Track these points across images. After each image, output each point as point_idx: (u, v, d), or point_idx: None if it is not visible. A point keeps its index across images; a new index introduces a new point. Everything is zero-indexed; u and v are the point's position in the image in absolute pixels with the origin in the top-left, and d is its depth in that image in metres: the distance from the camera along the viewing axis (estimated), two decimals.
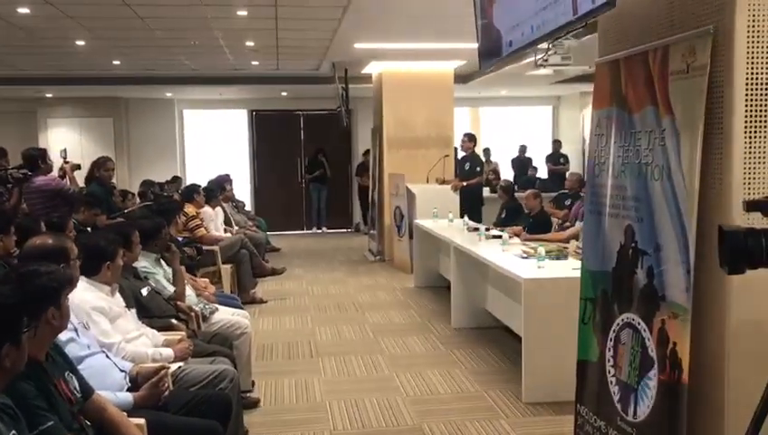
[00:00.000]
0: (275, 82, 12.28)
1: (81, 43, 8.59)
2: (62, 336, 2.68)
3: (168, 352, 3.53)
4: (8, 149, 6.80)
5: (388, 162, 10.53)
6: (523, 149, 14.54)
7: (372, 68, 10.75)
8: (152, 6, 6.75)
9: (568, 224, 7.91)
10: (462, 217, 8.42)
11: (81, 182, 7.20)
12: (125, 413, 2.73)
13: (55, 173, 6.52)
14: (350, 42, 8.67)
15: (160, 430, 2.80)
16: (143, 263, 4.49)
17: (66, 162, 6.62)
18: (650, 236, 2.89)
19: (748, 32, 2.53)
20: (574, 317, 3.60)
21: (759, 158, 2.56)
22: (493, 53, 4.61)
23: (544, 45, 4.38)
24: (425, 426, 4.22)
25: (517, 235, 7.04)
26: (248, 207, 13.29)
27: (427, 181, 9.79)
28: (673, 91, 2.77)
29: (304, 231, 14.56)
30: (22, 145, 7.54)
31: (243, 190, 13.92)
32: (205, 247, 7.16)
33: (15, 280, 2.36)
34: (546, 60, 5.70)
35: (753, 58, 2.54)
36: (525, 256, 5.42)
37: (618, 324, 3.14)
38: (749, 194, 2.56)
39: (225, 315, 4.69)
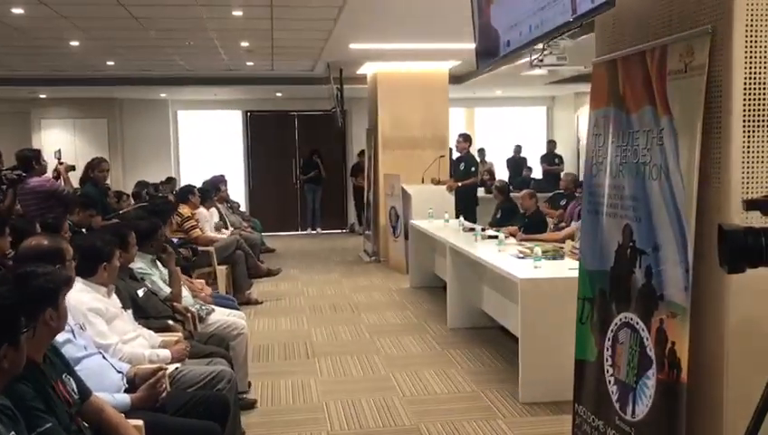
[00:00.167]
0: (270, 82, 12.26)
1: (75, 43, 8.56)
2: (59, 337, 2.66)
3: (166, 353, 3.51)
4: (2, 151, 6.78)
5: (384, 163, 10.53)
6: (517, 149, 14.56)
7: (367, 68, 10.75)
8: (147, 7, 6.73)
9: (563, 224, 7.93)
10: (457, 217, 8.42)
11: (75, 183, 7.18)
12: (123, 415, 2.72)
13: (50, 174, 6.49)
14: (345, 42, 8.67)
15: (158, 431, 2.79)
16: (139, 264, 4.48)
17: (61, 163, 6.60)
18: (648, 235, 2.89)
19: (746, 31, 2.53)
20: (571, 317, 3.60)
21: (757, 157, 2.57)
22: (490, 52, 4.62)
23: (540, 45, 4.37)
24: (422, 426, 4.22)
25: (513, 235, 7.05)
26: (243, 208, 13.26)
27: (423, 182, 9.79)
28: (671, 90, 2.77)
29: (299, 232, 14.54)
30: (16, 146, 7.51)
31: (237, 191, 13.90)
32: (200, 248, 7.15)
33: (13, 281, 2.35)
34: (542, 60, 5.69)
35: (751, 58, 2.54)
36: (521, 256, 5.42)
37: (616, 324, 3.14)
38: (747, 193, 2.56)
39: (221, 316, 4.68)
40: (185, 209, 7.71)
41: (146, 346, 3.54)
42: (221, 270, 7.27)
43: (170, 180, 12.03)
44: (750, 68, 2.54)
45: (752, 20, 2.53)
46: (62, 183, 6.41)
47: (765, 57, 2.55)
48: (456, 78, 11.46)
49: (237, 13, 7.01)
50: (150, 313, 4.08)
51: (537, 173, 14.06)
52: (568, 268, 4.76)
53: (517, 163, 14.42)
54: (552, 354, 4.35)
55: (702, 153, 2.62)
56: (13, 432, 1.93)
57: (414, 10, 6.95)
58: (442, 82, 10.63)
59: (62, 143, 11.11)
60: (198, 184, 9.28)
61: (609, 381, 3.17)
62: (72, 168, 6.75)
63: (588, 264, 3.46)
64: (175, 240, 6.60)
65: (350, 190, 14.54)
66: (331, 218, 14.58)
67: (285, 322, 6.95)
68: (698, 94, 2.61)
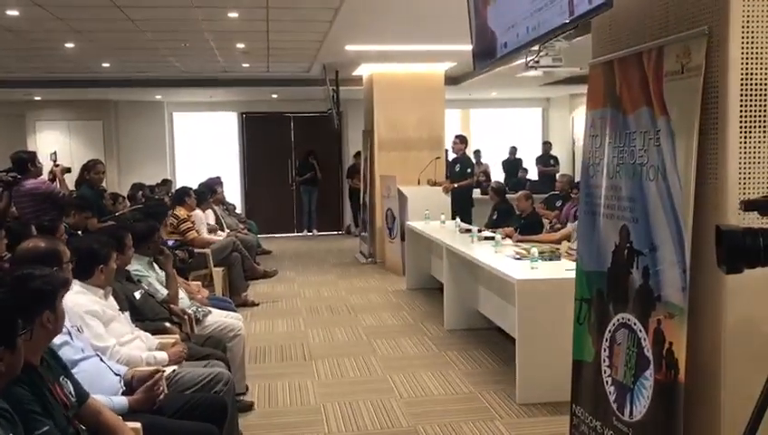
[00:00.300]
0: (265, 84, 12.25)
1: (70, 45, 8.54)
2: (57, 340, 2.65)
3: (163, 355, 3.51)
4: None
5: (380, 164, 10.53)
6: (512, 150, 14.59)
7: (363, 70, 10.75)
8: (142, 8, 6.72)
9: (559, 225, 7.94)
10: (453, 218, 8.43)
11: (71, 185, 7.16)
12: (120, 417, 2.71)
13: (45, 176, 6.48)
14: (340, 44, 8.67)
15: (156, 433, 2.78)
16: (136, 266, 4.47)
17: (56, 165, 6.58)
18: (646, 236, 2.89)
19: (742, 32, 2.54)
20: (568, 318, 3.60)
21: (754, 157, 2.58)
22: (487, 54, 4.62)
23: (535, 47, 4.38)
24: (419, 428, 4.22)
25: (509, 236, 7.05)
26: (239, 210, 13.25)
27: (419, 183, 9.79)
28: (668, 91, 2.78)
29: (295, 233, 14.53)
30: (10, 148, 7.49)
31: (233, 193, 13.89)
32: (196, 250, 7.13)
33: (10, 283, 2.34)
34: (537, 61, 5.71)
35: (747, 58, 2.55)
36: (518, 257, 5.43)
37: (613, 324, 3.14)
38: (744, 194, 2.57)
39: (217, 318, 4.67)
40: (181, 211, 7.70)
41: (143, 348, 3.53)
42: (217, 272, 7.27)
43: (166, 182, 12.03)
44: (746, 69, 2.55)
45: (748, 21, 2.54)
46: (58, 185, 6.40)
47: (761, 58, 2.56)
48: (452, 79, 11.47)
49: (233, 14, 7.01)
50: (147, 315, 4.07)
51: (533, 174, 14.08)
52: (565, 269, 4.76)
53: (512, 165, 14.44)
54: (550, 355, 4.36)
55: (699, 154, 2.62)
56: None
57: (410, 12, 6.96)
58: (438, 84, 10.64)
59: (57, 145, 11.11)
60: (194, 186, 9.27)
61: (607, 382, 3.17)
62: (68, 170, 6.73)
63: (585, 264, 3.46)
64: (171, 242, 6.59)
65: (346, 192, 14.53)
66: (327, 220, 14.57)
67: (282, 324, 6.95)
68: (695, 95, 2.62)
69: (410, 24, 7.54)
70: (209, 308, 4.75)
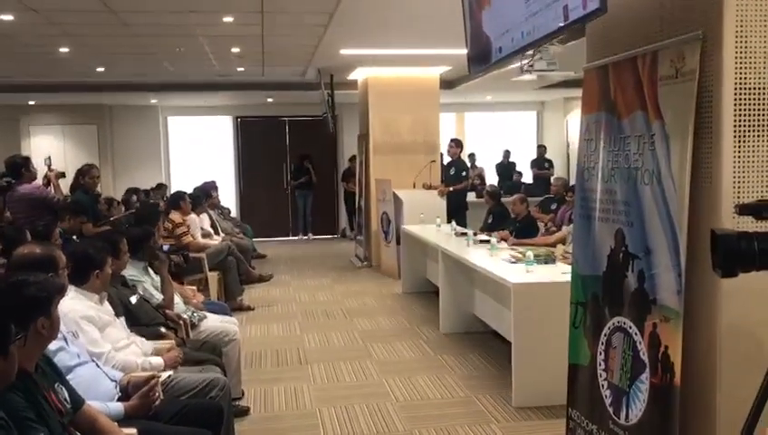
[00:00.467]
0: (261, 88, 12.24)
1: (64, 49, 8.52)
2: (52, 346, 2.65)
3: (158, 360, 3.50)
4: None
5: (375, 168, 10.53)
6: (506, 154, 14.62)
7: (358, 74, 10.76)
8: (137, 13, 6.71)
9: (554, 228, 7.95)
10: (449, 222, 8.43)
11: (65, 190, 7.15)
12: (116, 423, 2.70)
13: (40, 181, 6.47)
14: (335, 48, 8.67)
15: None
16: (131, 271, 4.46)
17: (51, 170, 6.58)
18: (641, 240, 2.90)
19: (736, 37, 2.55)
20: (564, 321, 3.61)
21: (748, 161, 2.59)
22: (482, 58, 4.63)
23: (530, 51, 4.39)
24: (415, 432, 4.22)
25: (504, 239, 7.06)
26: (234, 214, 13.23)
27: (414, 187, 9.80)
28: (662, 95, 2.79)
29: (290, 237, 14.52)
30: (4, 153, 7.48)
31: (228, 197, 13.87)
32: (191, 255, 7.12)
33: (4, 290, 2.33)
34: (532, 66, 5.72)
35: (741, 62, 2.56)
36: (514, 260, 5.43)
37: (609, 328, 3.15)
38: (738, 197, 2.58)
39: (213, 322, 4.67)
40: (176, 216, 7.69)
41: (139, 354, 3.52)
42: (212, 276, 7.25)
43: (161, 187, 11.99)
44: (740, 73, 2.56)
45: (741, 25, 2.56)
46: (53, 190, 6.39)
47: (755, 62, 2.57)
48: (447, 83, 11.48)
49: (228, 19, 7.00)
50: (143, 320, 4.06)
51: (527, 177, 14.11)
52: (560, 272, 4.77)
53: (506, 168, 14.47)
54: (546, 359, 4.36)
55: (693, 158, 2.63)
56: None
57: (405, 16, 6.96)
58: (433, 88, 10.66)
59: (51, 150, 11.06)
60: (189, 190, 9.26)
61: (603, 386, 3.17)
62: (62, 174, 6.73)
63: (581, 268, 3.47)
64: (166, 247, 6.58)
65: (341, 195, 14.53)
66: (322, 224, 14.56)
67: (277, 328, 6.94)
68: (689, 99, 2.63)
69: (405, 28, 7.55)
70: (204, 313, 4.75)
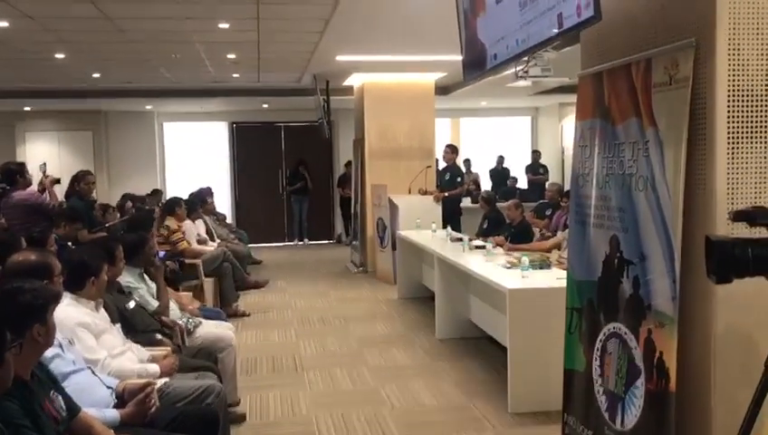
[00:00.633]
0: (256, 94, 12.26)
1: (60, 56, 8.52)
2: (48, 353, 2.64)
3: (154, 368, 3.49)
4: None
5: (371, 173, 10.54)
6: (500, 160, 14.65)
7: (354, 80, 10.78)
8: (133, 20, 6.71)
9: (549, 234, 7.96)
10: (445, 227, 8.44)
11: (60, 196, 7.14)
12: (112, 431, 2.70)
13: (35, 188, 6.45)
14: (331, 54, 8.69)
15: None
16: (127, 278, 4.45)
17: (46, 176, 6.56)
18: (635, 246, 2.92)
19: (729, 44, 2.58)
20: (559, 327, 3.62)
21: (742, 168, 2.60)
22: (477, 65, 4.65)
23: (525, 57, 4.42)
24: None
25: (500, 245, 7.07)
26: (229, 220, 13.21)
27: (410, 192, 9.81)
28: (656, 102, 2.81)
29: (286, 243, 14.51)
30: (0, 159, 7.46)
31: (223, 203, 13.86)
32: (187, 261, 7.11)
33: None
34: (527, 72, 5.75)
35: (734, 70, 2.58)
36: (509, 266, 5.44)
37: (604, 334, 3.16)
38: (733, 204, 2.59)
39: (208, 329, 4.65)
40: (171, 222, 7.68)
41: (134, 361, 3.52)
42: (208, 282, 7.24)
43: (156, 193, 11.98)
44: (733, 80, 2.59)
45: (734, 32, 2.58)
46: (48, 196, 6.37)
47: (748, 69, 2.60)
48: (442, 89, 11.51)
49: (224, 25, 7.01)
50: (138, 327, 4.05)
51: (522, 183, 14.14)
52: (556, 278, 4.78)
53: (500, 174, 14.50)
54: (541, 364, 4.36)
55: (687, 164, 2.65)
56: None
57: (400, 23, 6.98)
58: (428, 94, 10.68)
59: (46, 156, 11.05)
60: (185, 196, 9.25)
61: (598, 391, 3.18)
62: (58, 181, 6.71)
63: (576, 274, 3.48)
64: (161, 253, 6.57)
65: (336, 201, 14.54)
66: (317, 229, 14.55)
67: (273, 334, 6.93)
68: (683, 106, 2.65)
69: (401, 34, 7.57)
70: (200, 319, 4.74)
